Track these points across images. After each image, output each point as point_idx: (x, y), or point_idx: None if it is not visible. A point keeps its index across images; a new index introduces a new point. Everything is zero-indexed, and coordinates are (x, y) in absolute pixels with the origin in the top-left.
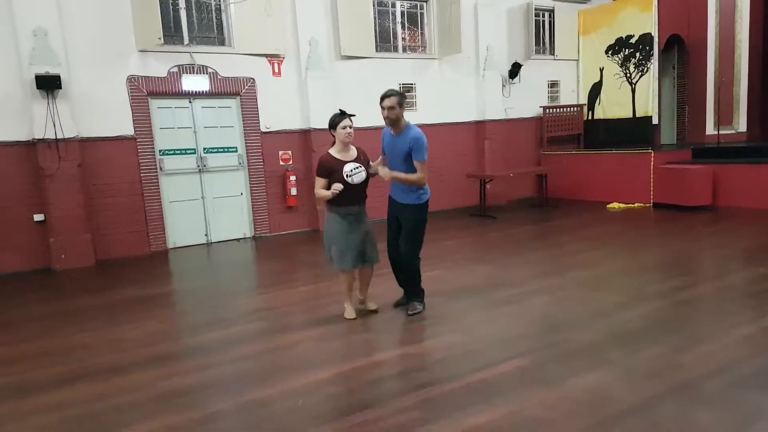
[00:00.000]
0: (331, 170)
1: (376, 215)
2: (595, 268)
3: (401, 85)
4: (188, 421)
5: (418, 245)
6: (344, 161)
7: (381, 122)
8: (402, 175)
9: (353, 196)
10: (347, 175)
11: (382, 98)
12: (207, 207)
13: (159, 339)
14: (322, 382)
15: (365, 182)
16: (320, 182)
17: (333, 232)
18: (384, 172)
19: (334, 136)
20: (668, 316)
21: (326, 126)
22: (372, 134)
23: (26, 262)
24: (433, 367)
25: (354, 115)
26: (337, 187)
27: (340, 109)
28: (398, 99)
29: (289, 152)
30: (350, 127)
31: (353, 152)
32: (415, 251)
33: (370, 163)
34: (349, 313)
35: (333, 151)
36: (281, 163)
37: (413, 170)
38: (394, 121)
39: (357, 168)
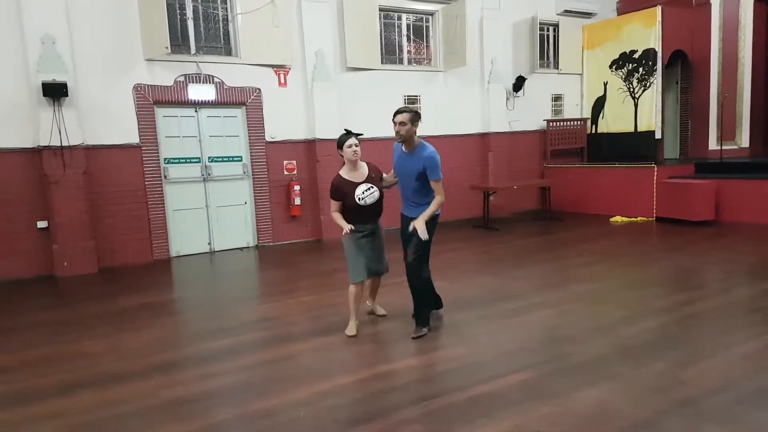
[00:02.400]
0: (343, 194)
1: (388, 224)
2: (598, 282)
3: (406, 97)
4: (190, 430)
5: (426, 257)
6: (356, 183)
7: (387, 134)
8: (426, 215)
9: (367, 216)
10: (359, 198)
11: (395, 114)
12: (211, 216)
13: (162, 348)
14: (325, 393)
15: (379, 200)
16: (334, 205)
17: (347, 247)
18: (416, 224)
19: (342, 156)
20: (672, 331)
21: (331, 137)
22: (378, 145)
23: (29, 269)
24: (437, 379)
25: (361, 134)
26: (346, 226)
27: (345, 129)
28: (410, 116)
29: (294, 162)
30: (356, 146)
31: (364, 170)
32: (422, 263)
33: (384, 176)
34: (351, 329)
35: (343, 173)
36: (285, 172)
37: (425, 188)
38: (406, 138)
39: (369, 189)
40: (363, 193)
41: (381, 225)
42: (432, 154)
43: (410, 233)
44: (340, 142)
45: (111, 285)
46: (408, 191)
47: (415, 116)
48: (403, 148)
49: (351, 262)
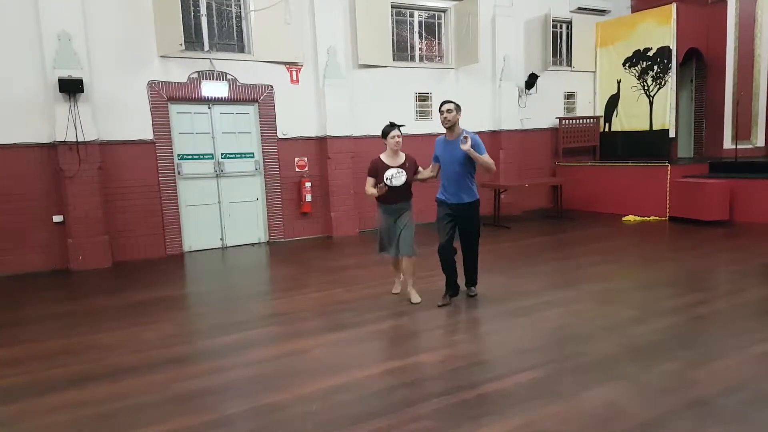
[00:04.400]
0: (377, 171)
1: (425, 219)
2: (609, 281)
3: (417, 95)
4: (202, 423)
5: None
6: (389, 166)
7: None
8: (480, 157)
9: (394, 195)
10: (387, 179)
11: (442, 104)
12: (223, 211)
13: (174, 341)
14: (335, 388)
15: (406, 185)
16: (369, 181)
17: (378, 223)
18: (465, 147)
19: (385, 144)
20: (683, 331)
21: (342, 134)
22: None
23: (45, 263)
24: (447, 376)
25: (403, 125)
26: (375, 191)
27: (390, 121)
28: (455, 105)
29: (305, 159)
30: (399, 137)
31: (401, 158)
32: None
33: (420, 169)
34: (396, 287)
35: (383, 156)
36: (297, 169)
37: (470, 173)
38: (453, 123)
39: (398, 173)
40: (392, 175)
41: (411, 210)
42: (475, 136)
43: (448, 216)
44: (385, 133)
45: (124, 279)
46: (450, 179)
47: (458, 107)
48: (447, 137)
49: (379, 238)
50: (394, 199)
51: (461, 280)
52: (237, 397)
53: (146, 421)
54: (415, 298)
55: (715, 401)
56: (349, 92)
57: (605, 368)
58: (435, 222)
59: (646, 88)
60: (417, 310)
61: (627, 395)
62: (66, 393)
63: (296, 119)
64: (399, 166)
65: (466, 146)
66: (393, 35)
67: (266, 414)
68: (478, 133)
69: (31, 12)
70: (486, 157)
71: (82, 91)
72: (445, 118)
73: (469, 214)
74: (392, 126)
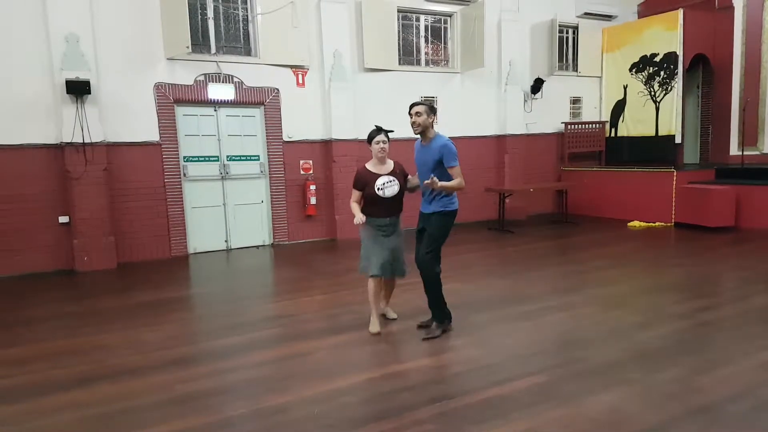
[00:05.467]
0: (364, 183)
1: (408, 224)
2: (614, 286)
3: (423, 98)
4: (205, 424)
5: (437, 253)
6: (378, 174)
7: (406, 134)
8: (446, 184)
9: (385, 208)
10: (378, 189)
11: (411, 106)
12: (228, 214)
13: (178, 342)
14: (339, 391)
15: (398, 195)
16: (355, 194)
17: (363, 239)
18: (434, 181)
19: (371, 150)
20: (688, 337)
21: (347, 137)
22: (395, 146)
23: (50, 263)
24: (450, 381)
25: (392, 131)
26: (360, 219)
27: (376, 125)
28: (426, 108)
29: (310, 162)
30: (384, 143)
31: (389, 166)
32: (434, 259)
33: (409, 177)
34: (373, 326)
35: (369, 165)
36: (302, 172)
37: (444, 179)
38: (423, 129)
39: (389, 182)
40: (383, 184)
41: (401, 225)
42: (447, 143)
43: (422, 226)
44: (370, 137)
45: (129, 280)
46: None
47: (430, 109)
48: (422, 142)
49: (364, 255)
50: (386, 212)
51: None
52: (239, 398)
53: (149, 422)
54: (393, 314)
55: (720, 408)
56: (355, 96)
57: (610, 373)
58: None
59: (652, 93)
60: (420, 314)
61: (631, 401)
62: (70, 393)
63: (302, 122)
64: (388, 174)
65: (435, 187)
66: (399, 39)
67: (268, 416)
68: (483, 137)
69: (40, 14)
70: (454, 181)
71: (90, 93)
72: (414, 122)
73: (434, 223)
74: (378, 130)
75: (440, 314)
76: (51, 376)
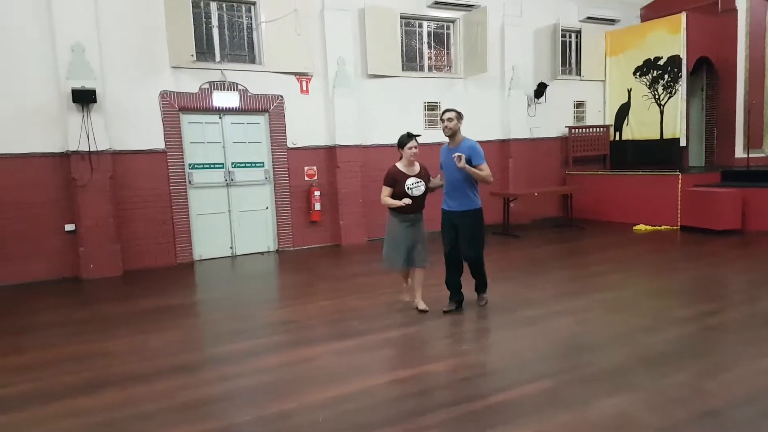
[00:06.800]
0: (395, 181)
1: (431, 227)
2: (619, 290)
3: (426, 104)
4: (210, 430)
5: (482, 245)
6: (408, 175)
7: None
8: (476, 171)
9: (412, 205)
10: (408, 188)
11: (443, 113)
12: (233, 220)
13: (182, 349)
14: (343, 397)
15: (424, 195)
16: (386, 190)
17: (389, 234)
18: (459, 165)
19: (401, 153)
20: (694, 341)
21: (351, 143)
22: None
23: (56, 271)
24: (456, 386)
25: (420, 135)
26: (406, 201)
27: (408, 132)
28: (456, 113)
29: (314, 168)
30: (415, 147)
31: (417, 168)
32: (481, 251)
33: (431, 178)
34: (405, 295)
35: (400, 165)
36: (306, 178)
37: (471, 182)
38: (453, 132)
39: (418, 182)
40: (413, 184)
41: (423, 219)
42: (473, 144)
43: (450, 224)
44: (402, 143)
45: (135, 287)
46: (452, 186)
47: (460, 114)
48: (449, 145)
49: (389, 250)
50: (412, 209)
51: (470, 288)
52: (244, 405)
53: (153, 429)
54: (423, 306)
55: (727, 412)
56: (358, 102)
57: (616, 378)
58: (441, 230)
59: (656, 96)
60: (425, 319)
61: (638, 405)
62: (74, 400)
63: (306, 129)
64: (416, 176)
65: (460, 164)
66: (402, 45)
67: (273, 422)
68: (486, 142)
69: (46, 23)
70: (481, 170)
71: (95, 102)
72: (446, 126)
73: (469, 223)
74: (410, 136)
75: (485, 286)
76: (56, 383)
